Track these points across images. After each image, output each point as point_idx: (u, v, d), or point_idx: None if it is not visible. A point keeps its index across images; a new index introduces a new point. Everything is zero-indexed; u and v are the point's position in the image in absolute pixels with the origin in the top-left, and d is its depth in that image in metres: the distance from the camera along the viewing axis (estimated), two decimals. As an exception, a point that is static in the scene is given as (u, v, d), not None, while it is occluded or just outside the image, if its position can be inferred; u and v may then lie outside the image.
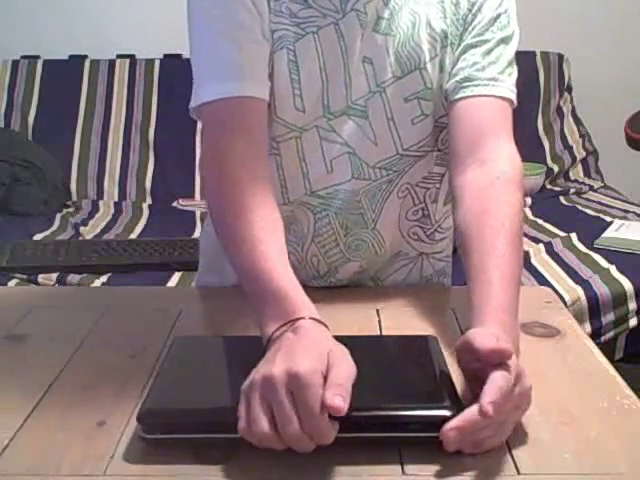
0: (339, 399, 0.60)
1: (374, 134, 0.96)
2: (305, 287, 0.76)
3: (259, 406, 0.62)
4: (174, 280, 1.89)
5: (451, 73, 0.95)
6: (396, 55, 0.94)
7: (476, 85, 0.92)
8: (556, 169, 2.72)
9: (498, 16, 0.95)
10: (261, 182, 0.85)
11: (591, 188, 2.64)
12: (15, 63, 2.72)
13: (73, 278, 1.89)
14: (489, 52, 0.94)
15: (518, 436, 0.66)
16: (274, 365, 0.63)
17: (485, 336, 0.67)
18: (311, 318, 0.71)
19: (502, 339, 0.67)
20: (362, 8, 0.92)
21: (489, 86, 0.92)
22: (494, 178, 0.87)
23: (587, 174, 2.75)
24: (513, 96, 0.94)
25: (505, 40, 0.95)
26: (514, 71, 0.96)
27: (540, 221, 2.33)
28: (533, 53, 2.73)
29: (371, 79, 0.94)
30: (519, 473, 0.63)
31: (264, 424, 0.61)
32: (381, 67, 0.94)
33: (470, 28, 0.95)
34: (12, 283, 1.86)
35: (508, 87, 0.94)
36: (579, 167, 2.75)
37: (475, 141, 0.91)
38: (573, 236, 2.11)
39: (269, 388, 0.62)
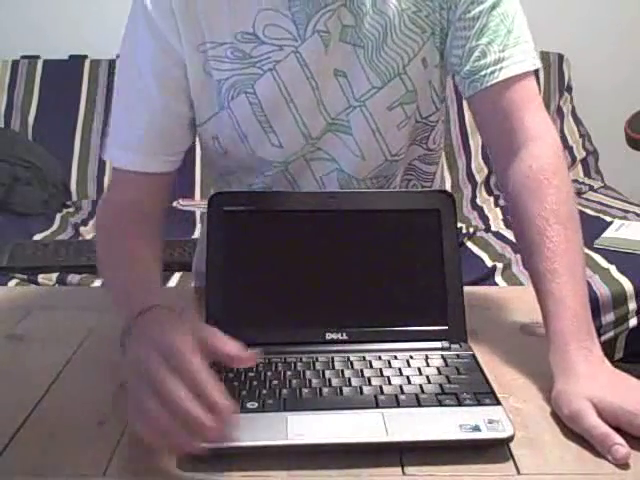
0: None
1: (360, 149, 0.94)
2: None
3: (141, 394, 0.59)
4: (174, 280, 1.89)
5: (450, 61, 0.90)
6: (371, 66, 0.89)
7: (483, 76, 0.86)
8: (556, 169, 2.72)
9: None
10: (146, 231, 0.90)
11: (591, 188, 2.64)
12: (15, 63, 2.72)
13: (73, 278, 1.89)
14: (483, 29, 0.87)
15: (518, 436, 0.66)
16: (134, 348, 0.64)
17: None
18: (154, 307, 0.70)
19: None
20: (324, 27, 0.87)
21: (496, 71, 0.86)
22: (536, 169, 0.83)
23: (587, 174, 2.75)
24: (527, 65, 0.87)
25: (496, 5, 0.87)
26: (521, 31, 0.87)
27: (540, 221, 2.33)
28: (533, 53, 2.72)
29: (348, 93, 0.90)
30: (519, 473, 0.63)
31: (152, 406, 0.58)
32: (356, 80, 0.90)
33: (454, 7, 0.88)
34: (12, 283, 1.86)
35: (517, 61, 0.86)
36: (579, 167, 2.74)
37: (503, 132, 0.87)
38: (573, 236, 2.10)
39: (142, 370, 0.60)
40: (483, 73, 0.87)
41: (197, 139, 1.04)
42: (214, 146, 0.96)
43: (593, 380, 0.70)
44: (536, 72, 0.89)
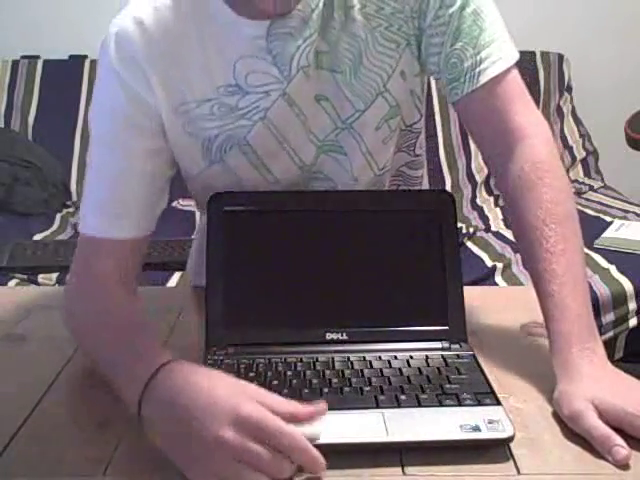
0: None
1: (353, 170, 0.93)
2: None
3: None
4: (174, 280, 1.89)
5: (428, 69, 0.89)
6: (351, 90, 0.88)
7: (463, 82, 0.85)
8: (556, 169, 2.72)
9: None
10: (124, 288, 0.84)
11: (591, 188, 2.64)
12: (15, 63, 2.72)
13: (73, 278, 1.89)
14: (455, 33, 0.84)
15: (518, 436, 0.66)
16: (207, 422, 0.61)
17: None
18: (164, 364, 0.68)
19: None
20: (306, 62, 0.85)
21: (475, 76, 0.84)
22: (529, 170, 0.82)
23: (587, 174, 2.74)
24: (506, 62, 0.84)
25: (465, 5, 0.84)
26: (494, 28, 0.85)
27: (540, 221, 2.33)
28: (533, 53, 2.72)
29: (333, 115, 0.89)
30: (519, 473, 0.63)
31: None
32: (339, 105, 0.89)
33: (423, 14, 0.85)
34: (12, 283, 1.86)
35: (496, 59, 0.84)
36: (579, 167, 2.74)
37: (493, 134, 0.86)
38: (573, 236, 2.10)
39: (231, 450, 0.59)
40: (463, 80, 0.85)
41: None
42: (203, 193, 0.94)
43: (595, 381, 0.70)
44: (518, 62, 0.86)
